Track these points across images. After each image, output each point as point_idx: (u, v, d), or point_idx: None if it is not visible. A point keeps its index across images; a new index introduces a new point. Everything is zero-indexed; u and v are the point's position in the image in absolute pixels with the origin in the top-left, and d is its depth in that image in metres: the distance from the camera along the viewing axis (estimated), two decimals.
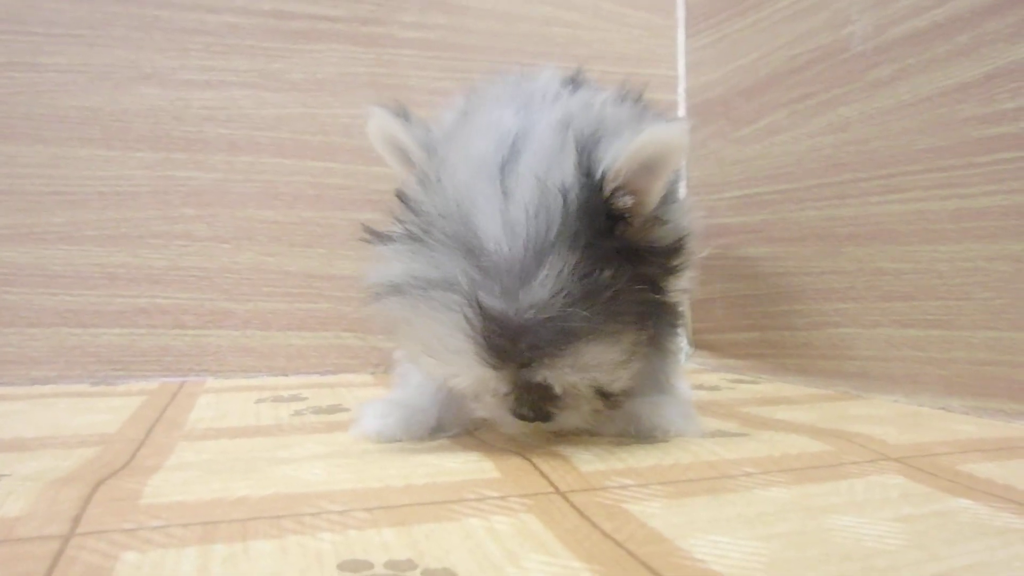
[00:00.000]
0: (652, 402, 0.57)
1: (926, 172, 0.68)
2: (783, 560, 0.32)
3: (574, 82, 0.57)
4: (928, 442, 0.54)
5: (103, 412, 0.66)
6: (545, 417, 0.50)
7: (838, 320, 0.79)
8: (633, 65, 1.05)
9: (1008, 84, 0.61)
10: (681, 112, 1.05)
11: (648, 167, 0.45)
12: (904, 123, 0.70)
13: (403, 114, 0.51)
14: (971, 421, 0.62)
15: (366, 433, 0.55)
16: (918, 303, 0.70)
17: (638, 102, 0.58)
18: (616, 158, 0.45)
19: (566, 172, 0.45)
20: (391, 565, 0.31)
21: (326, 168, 0.93)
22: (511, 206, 0.44)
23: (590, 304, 0.44)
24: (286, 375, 0.90)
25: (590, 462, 0.48)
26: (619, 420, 0.56)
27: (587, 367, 0.46)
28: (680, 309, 0.60)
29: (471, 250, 0.44)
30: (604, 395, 0.50)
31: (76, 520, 0.36)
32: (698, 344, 1.01)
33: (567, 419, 0.51)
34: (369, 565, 0.31)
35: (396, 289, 0.46)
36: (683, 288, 0.54)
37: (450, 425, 0.56)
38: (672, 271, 0.49)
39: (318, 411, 0.67)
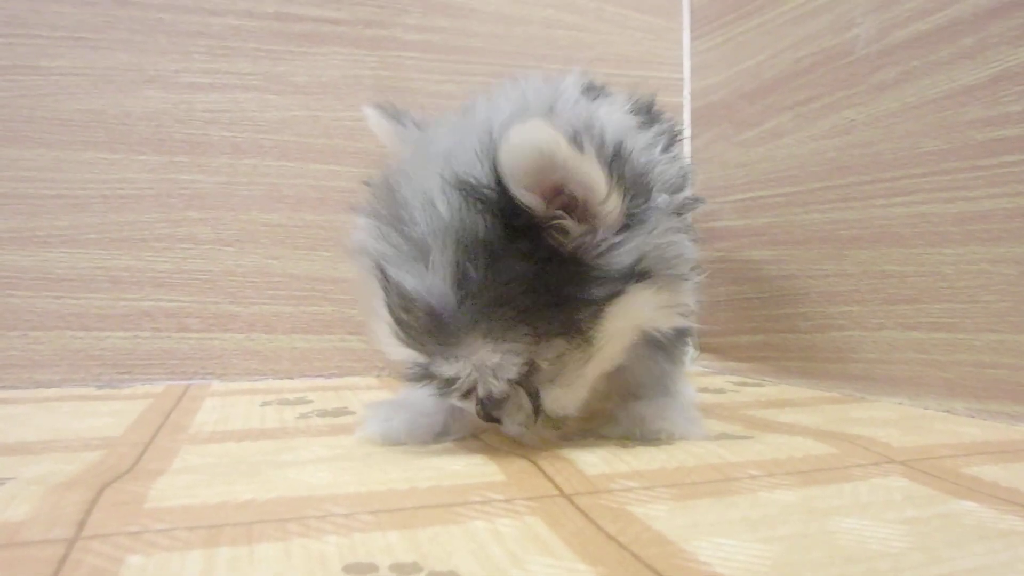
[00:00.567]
0: (657, 405, 0.58)
1: (930, 175, 0.68)
2: (787, 563, 0.32)
3: (591, 89, 0.57)
4: (932, 444, 0.54)
5: (107, 416, 0.66)
6: (493, 420, 0.51)
7: (842, 323, 0.79)
8: (637, 68, 1.05)
9: (1013, 87, 0.61)
10: (686, 115, 1.04)
11: (540, 166, 0.43)
12: (908, 126, 0.70)
13: (394, 113, 0.55)
14: (975, 424, 0.62)
15: (371, 436, 0.55)
16: (922, 306, 0.70)
17: (644, 107, 0.58)
18: (499, 157, 0.44)
19: (472, 169, 0.46)
20: (396, 568, 0.31)
21: (330, 171, 0.93)
22: (423, 196, 0.46)
23: (476, 301, 0.44)
24: (291, 378, 0.90)
25: (595, 465, 0.48)
26: (624, 423, 0.57)
27: (476, 365, 0.46)
28: (688, 319, 0.60)
29: (394, 231, 0.46)
30: (537, 408, 0.50)
31: (81, 524, 0.36)
32: (702, 347, 1.01)
33: (508, 426, 0.51)
34: (374, 568, 0.31)
35: (355, 257, 0.49)
36: (684, 305, 0.53)
37: (455, 429, 0.56)
38: (608, 295, 0.47)
39: (323, 414, 0.67)
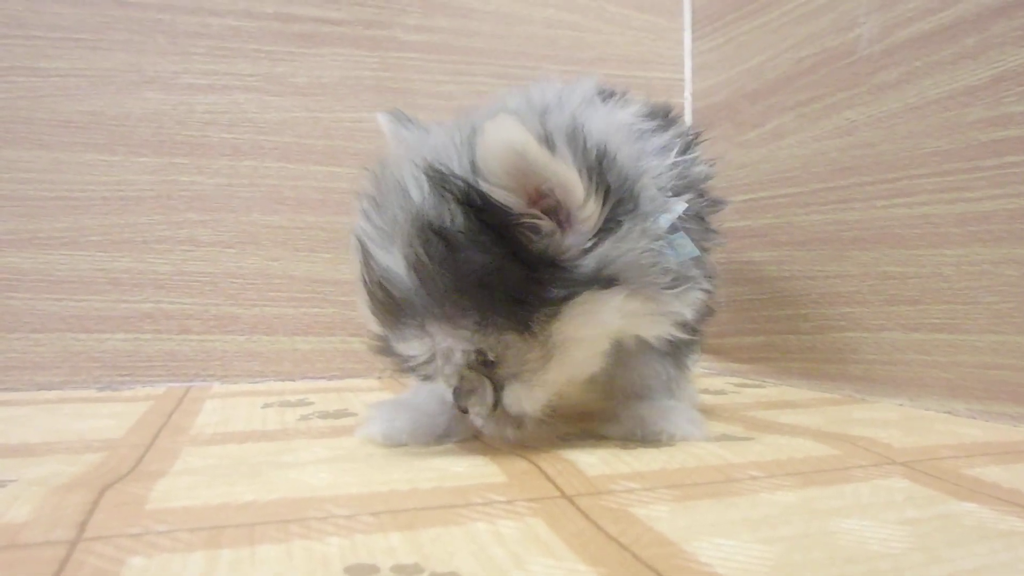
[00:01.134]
0: (658, 406, 0.58)
1: (932, 176, 0.68)
2: (787, 563, 0.32)
3: (606, 94, 0.57)
4: (933, 445, 0.54)
5: (108, 417, 0.66)
6: (464, 409, 0.52)
7: (843, 324, 0.79)
8: (638, 68, 1.05)
9: (1015, 87, 0.61)
10: (688, 116, 1.04)
11: (515, 166, 0.44)
12: (910, 126, 0.70)
13: (402, 118, 0.57)
14: (976, 425, 0.62)
15: (372, 436, 0.55)
16: (924, 307, 0.70)
17: (661, 112, 0.59)
18: (476, 153, 0.45)
19: (458, 160, 0.47)
20: (397, 569, 0.31)
21: (331, 172, 0.93)
22: (400, 179, 0.48)
23: (432, 285, 0.45)
24: (292, 380, 0.90)
25: (596, 466, 0.48)
26: (625, 423, 0.57)
27: (428, 347, 0.47)
28: (698, 325, 0.59)
29: (374, 213, 0.49)
30: (495, 400, 0.50)
31: (82, 525, 0.36)
32: (703, 348, 1.00)
33: (472, 414, 0.52)
34: (375, 569, 0.31)
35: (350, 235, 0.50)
36: (673, 314, 0.52)
37: (458, 430, 0.56)
38: (565, 296, 0.46)
39: (325, 415, 0.67)
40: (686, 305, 0.52)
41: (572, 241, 0.46)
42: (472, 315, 0.46)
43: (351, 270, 0.50)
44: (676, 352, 0.60)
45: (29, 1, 0.85)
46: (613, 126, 0.51)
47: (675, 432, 0.55)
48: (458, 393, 0.51)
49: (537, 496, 0.42)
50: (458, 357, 0.47)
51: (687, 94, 1.06)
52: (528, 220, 0.45)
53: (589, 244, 0.47)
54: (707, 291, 0.55)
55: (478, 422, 0.52)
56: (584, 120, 0.49)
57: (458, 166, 0.46)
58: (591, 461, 0.49)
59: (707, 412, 0.63)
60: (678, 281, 0.51)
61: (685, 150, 0.56)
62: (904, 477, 0.46)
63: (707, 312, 0.60)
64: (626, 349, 0.57)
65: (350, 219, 0.52)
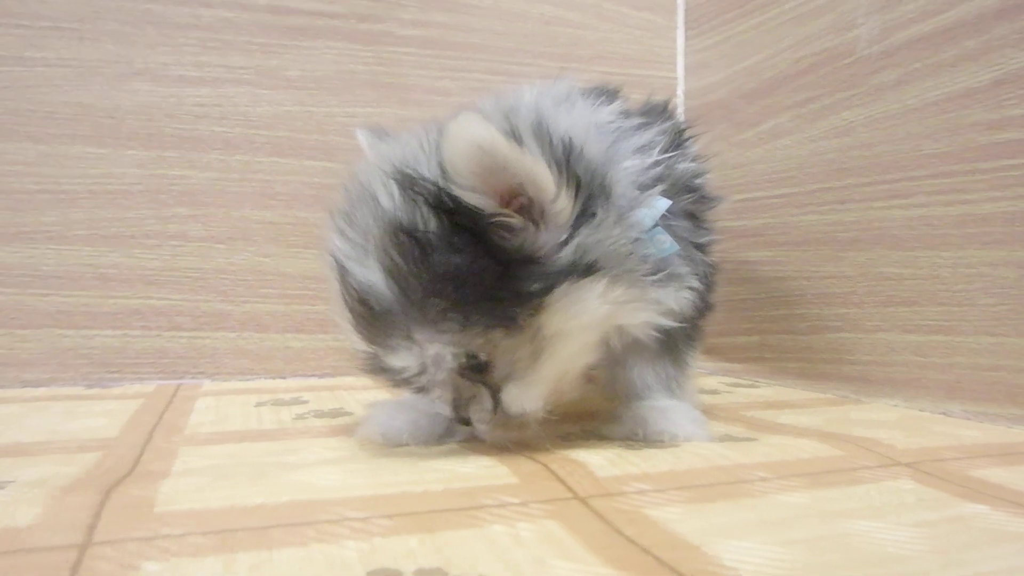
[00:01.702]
0: (660, 406, 0.57)
1: (931, 178, 0.69)
2: (808, 566, 0.32)
3: (596, 92, 0.57)
4: (935, 447, 0.54)
5: (100, 416, 0.65)
6: (464, 420, 0.51)
7: (838, 325, 0.79)
8: (633, 66, 1.05)
9: (1016, 90, 0.62)
10: (681, 115, 1.04)
11: (483, 165, 0.43)
12: (909, 128, 0.70)
13: (381, 133, 0.57)
14: (973, 426, 0.62)
15: (372, 436, 0.54)
16: (920, 308, 0.70)
17: (654, 109, 0.58)
18: (441, 154, 0.45)
19: (416, 165, 0.47)
20: (421, 573, 0.31)
21: (324, 168, 0.92)
22: (370, 187, 0.47)
23: (414, 291, 0.44)
24: (284, 378, 0.89)
25: (605, 467, 0.47)
26: (627, 423, 0.56)
27: (417, 355, 0.47)
28: (698, 320, 0.60)
29: (346, 226, 0.48)
30: (497, 406, 0.50)
31: (91, 529, 0.35)
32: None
33: (475, 425, 0.51)
34: (399, 573, 0.31)
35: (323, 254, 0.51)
36: (656, 303, 0.52)
37: (457, 430, 0.56)
38: (544, 288, 0.46)
39: (320, 415, 0.66)
40: (670, 296, 0.52)
41: (547, 237, 0.46)
42: (455, 317, 0.45)
43: (329, 290, 0.50)
44: (675, 351, 0.60)
45: None
46: (582, 123, 0.51)
47: (678, 432, 0.55)
48: (456, 404, 0.51)
49: (550, 498, 0.41)
50: (448, 361, 0.47)
51: (680, 92, 1.05)
52: (502, 219, 0.45)
53: (564, 237, 0.47)
54: (695, 288, 0.55)
55: (481, 429, 0.51)
56: (551, 118, 0.49)
57: (427, 169, 0.46)
58: (599, 462, 0.48)
59: (705, 412, 0.62)
60: (660, 271, 0.51)
61: (670, 148, 0.56)
62: (911, 479, 0.46)
63: (706, 308, 0.60)
64: (625, 349, 0.57)
65: (324, 237, 0.51)
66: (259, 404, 0.71)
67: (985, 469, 0.48)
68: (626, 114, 0.55)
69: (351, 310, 0.47)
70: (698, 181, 0.59)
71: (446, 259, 0.44)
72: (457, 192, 0.44)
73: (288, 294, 0.90)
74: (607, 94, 0.58)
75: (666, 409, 0.57)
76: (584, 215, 0.47)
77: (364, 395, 0.77)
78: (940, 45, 0.68)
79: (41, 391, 0.79)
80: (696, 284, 0.55)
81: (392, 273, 0.45)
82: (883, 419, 0.65)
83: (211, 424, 0.61)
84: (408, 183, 0.45)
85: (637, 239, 0.50)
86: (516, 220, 0.45)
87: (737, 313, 0.93)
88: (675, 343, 0.59)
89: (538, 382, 0.49)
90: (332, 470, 0.46)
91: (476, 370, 0.48)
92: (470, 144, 0.42)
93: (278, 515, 0.37)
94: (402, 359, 0.47)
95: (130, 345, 0.85)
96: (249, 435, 0.57)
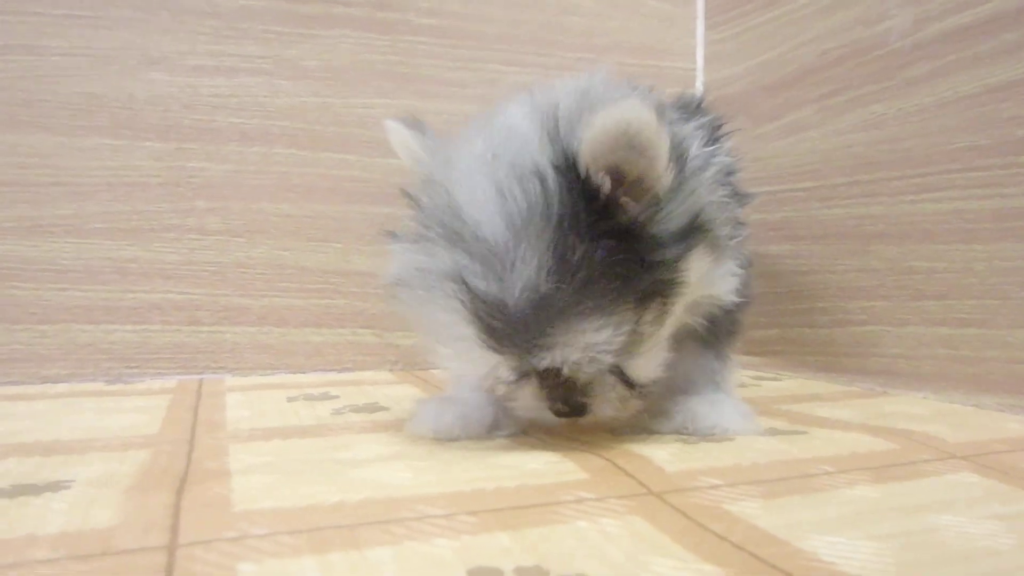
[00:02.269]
0: (710, 400, 0.57)
1: (965, 171, 0.69)
2: (907, 562, 0.32)
3: (626, 86, 0.56)
4: (984, 440, 0.54)
5: (132, 412, 0.63)
6: (580, 410, 0.50)
7: (864, 318, 0.79)
8: (651, 57, 1.04)
9: None
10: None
11: (623, 146, 0.44)
12: (942, 121, 0.71)
13: (416, 124, 0.54)
14: (1010, 419, 0.63)
15: (423, 431, 0.54)
16: (951, 302, 0.70)
17: (687, 103, 0.58)
18: (582, 139, 0.44)
19: (543, 156, 0.45)
20: (521, 572, 0.30)
21: (341, 160, 0.91)
22: (493, 193, 0.45)
23: (576, 282, 0.44)
24: (304, 372, 0.88)
25: (670, 462, 0.47)
26: (676, 417, 0.56)
27: (583, 346, 0.45)
28: (737, 314, 0.60)
29: (462, 238, 0.45)
30: (627, 383, 0.50)
31: (173, 529, 0.34)
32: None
33: (600, 409, 0.50)
34: (499, 572, 0.30)
35: (404, 284, 0.48)
36: (729, 290, 0.54)
37: (506, 424, 0.55)
38: (679, 253, 0.47)
39: (357, 410, 0.65)
40: (737, 263, 0.54)
41: (662, 206, 0.47)
42: (626, 295, 0.45)
43: (422, 322, 0.48)
44: (718, 344, 0.60)
45: None
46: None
47: (728, 426, 0.55)
48: (573, 396, 0.49)
49: (625, 493, 0.41)
50: (615, 344, 0.46)
51: (699, 84, 1.05)
52: (622, 199, 0.45)
53: (672, 204, 0.47)
54: (737, 275, 0.55)
55: (610, 412, 0.50)
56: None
57: (555, 157, 0.45)
58: (663, 456, 0.48)
59: None
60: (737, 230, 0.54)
61: (706, 142, 0.56)
62: (972, 472, 0.46)
63: (744, 302, 0.60)
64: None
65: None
66: (291, 399, 0.70)
67: None
68: (678, 107, 0.55)
69: (485, 326, 0.45)
70: (732, 177, 0.59)
71: (599, 242, 0.44)
72: (592, 174, 0.44)
73: (307, 288, 0.89)
74: (639, 88, 0.57)
75: (715, 403, 0.57)
76: (676, 181, 0.48)
77: (390, 390, 0.76)
78: (977, 37, 0.68)
79: (62, 387, 0.77)
80: (738, 270, 0.56)
81: (549, 268, 0.43)
82: (919, 412, 0.65)
83: (250, 420, 0.60)
84: (549, 174, 0.44)
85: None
86: (628, 199, 0.46)
87: (757, 306, 0.93)
88: (717, 337, 0.59)
89: (660, 348, 0.50)
90: (399, 466, 0.45)
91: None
92: (621, 126, 0.43)
93: (361, 513, 0.36)
94: (554, 356, 0.46)
95: (150, 340, 0.83)
96: (293, 431, 0.56)
